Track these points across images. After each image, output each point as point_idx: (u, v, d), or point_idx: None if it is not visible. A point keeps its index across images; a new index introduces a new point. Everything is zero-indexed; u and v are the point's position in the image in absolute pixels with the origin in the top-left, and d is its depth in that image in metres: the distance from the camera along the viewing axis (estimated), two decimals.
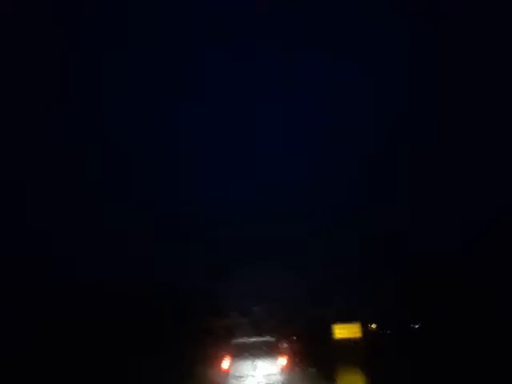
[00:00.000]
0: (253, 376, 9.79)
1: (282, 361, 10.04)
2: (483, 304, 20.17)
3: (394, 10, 33.85)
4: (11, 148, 23.20)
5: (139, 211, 28.75)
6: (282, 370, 9.91)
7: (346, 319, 28.28)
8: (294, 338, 28.29)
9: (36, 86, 27.61)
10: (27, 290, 17.91)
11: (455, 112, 30.01)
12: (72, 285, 19.86)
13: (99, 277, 21.21)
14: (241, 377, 9.80)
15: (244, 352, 9.98)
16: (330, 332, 27.81)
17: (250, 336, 11.26)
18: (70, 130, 29.03)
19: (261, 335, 11.15)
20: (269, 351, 10.04)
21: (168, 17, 40.73)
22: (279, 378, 9.83)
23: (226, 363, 10.04)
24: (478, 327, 18.29)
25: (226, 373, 9.91)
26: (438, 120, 30.97)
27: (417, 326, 28.69)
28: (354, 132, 36.32)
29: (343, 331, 27.80)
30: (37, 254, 20.16)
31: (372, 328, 32.06)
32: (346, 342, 26.71)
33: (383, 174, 32.27)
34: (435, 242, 25.97)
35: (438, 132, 30.90)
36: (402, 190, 30.32)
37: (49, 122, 28.05)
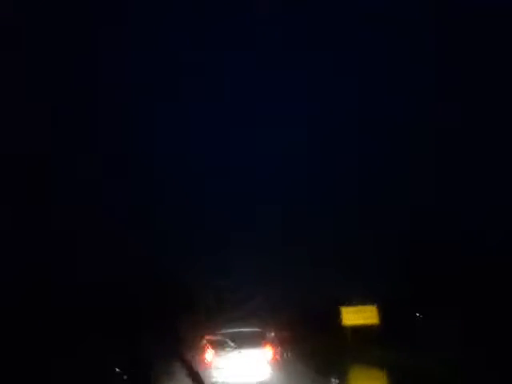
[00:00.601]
0: (238, 369, 9.14)
1: (269, 353, 9.34)
2: (484, 304, 20.16)
3: (394, 10, 33.89)
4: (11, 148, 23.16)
5: (139, 211, 28.76)
6: (270, 363, 9.28)
7: (357, 301, 23.37)
8: (290, 327, 23.71)
9: (36, 86, 27.59)
10: (27, 290, 17.92)
11: (455, 111, 30.05)
12: (72, 285, 19.86)
13: (99, 276, 21.22)
14: (225, 370, 9.16)
15: (229, 343, 9.37)
16: (337, 318, 22.92)
17: (236, 326, 10.40)
18: (70, 130, 28.99)
19: (248, 325, 10.34)
20: (256, 342, 9.39)
21: (168, 17, 40.80)
22: (267, 371, 9.18)
23: (209, 355, 9.42)
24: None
25: (209, 365, 9.29)
26: (438, 120, 31.01)
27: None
28: (354, 132, 36.40)
29: (355, 316, 22.56)
30: (36, 254, 20.17)
31: None
32: (360, 331, 22.05)
33: (383, 174, 32.29)
34: (435, 241, 25.99)
35: (438, 132, 30.92)
36: (402, 190, 30.34)
37: (49, 121, 28.01)
